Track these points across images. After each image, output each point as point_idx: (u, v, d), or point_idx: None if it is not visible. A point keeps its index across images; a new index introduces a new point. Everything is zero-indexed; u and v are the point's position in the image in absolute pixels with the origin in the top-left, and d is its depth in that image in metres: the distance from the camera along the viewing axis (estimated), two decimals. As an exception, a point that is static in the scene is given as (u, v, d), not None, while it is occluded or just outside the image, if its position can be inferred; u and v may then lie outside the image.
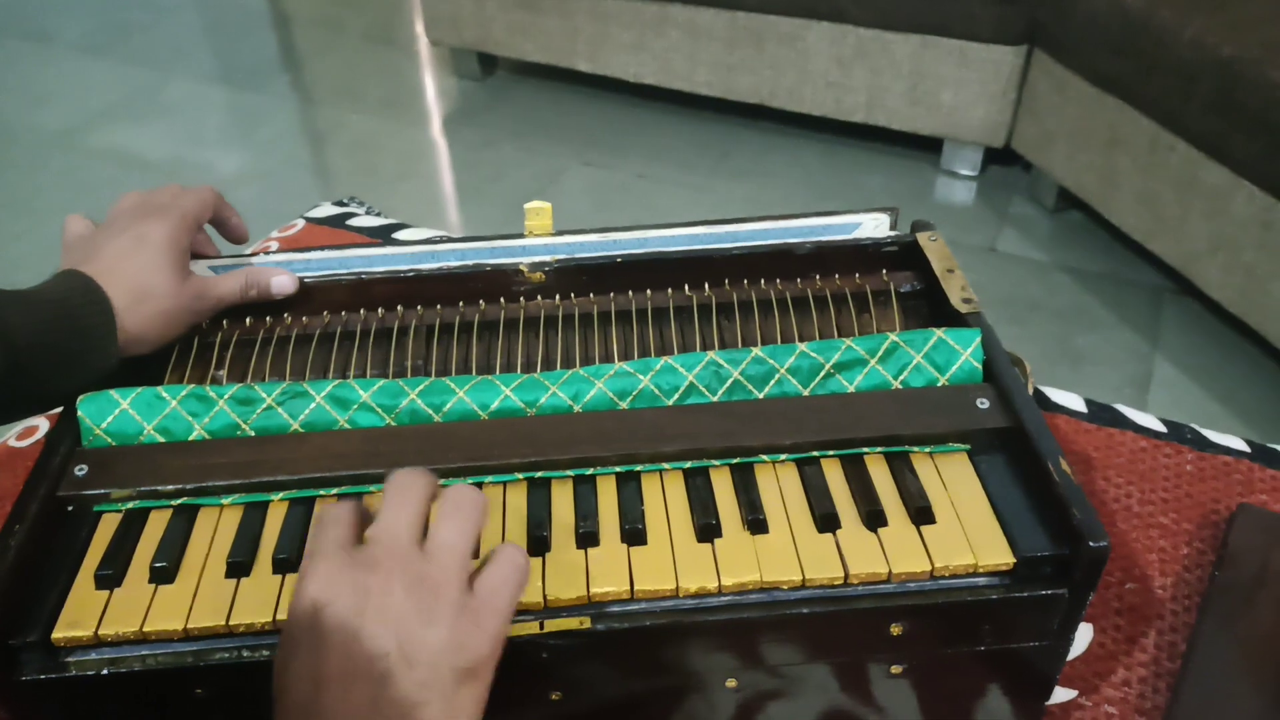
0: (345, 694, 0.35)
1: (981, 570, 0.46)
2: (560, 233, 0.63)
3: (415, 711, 0.36)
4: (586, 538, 0.48)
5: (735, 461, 0.51)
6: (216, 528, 0.50)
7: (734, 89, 2.05)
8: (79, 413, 0.52)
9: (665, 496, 0.50)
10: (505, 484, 0.51)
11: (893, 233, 0.63)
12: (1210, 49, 1.43)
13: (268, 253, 0.65)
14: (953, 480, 0.50)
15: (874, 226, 0.64)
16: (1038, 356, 1.60)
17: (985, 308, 0.57)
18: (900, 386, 0.53)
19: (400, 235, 0.91)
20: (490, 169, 2.12)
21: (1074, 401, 0.72)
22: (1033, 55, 1.77)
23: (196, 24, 2.86)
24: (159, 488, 0.50)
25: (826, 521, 0.48)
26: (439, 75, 2.49)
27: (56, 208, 2.06)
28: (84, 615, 0.46)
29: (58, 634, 0.45)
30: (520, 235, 0.63)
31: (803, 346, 0.54)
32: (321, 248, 0.64)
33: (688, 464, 0.51)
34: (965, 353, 0.53)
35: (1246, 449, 0.69)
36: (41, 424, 0.73)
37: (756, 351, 0.54)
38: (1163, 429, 0.70)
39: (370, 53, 2.64)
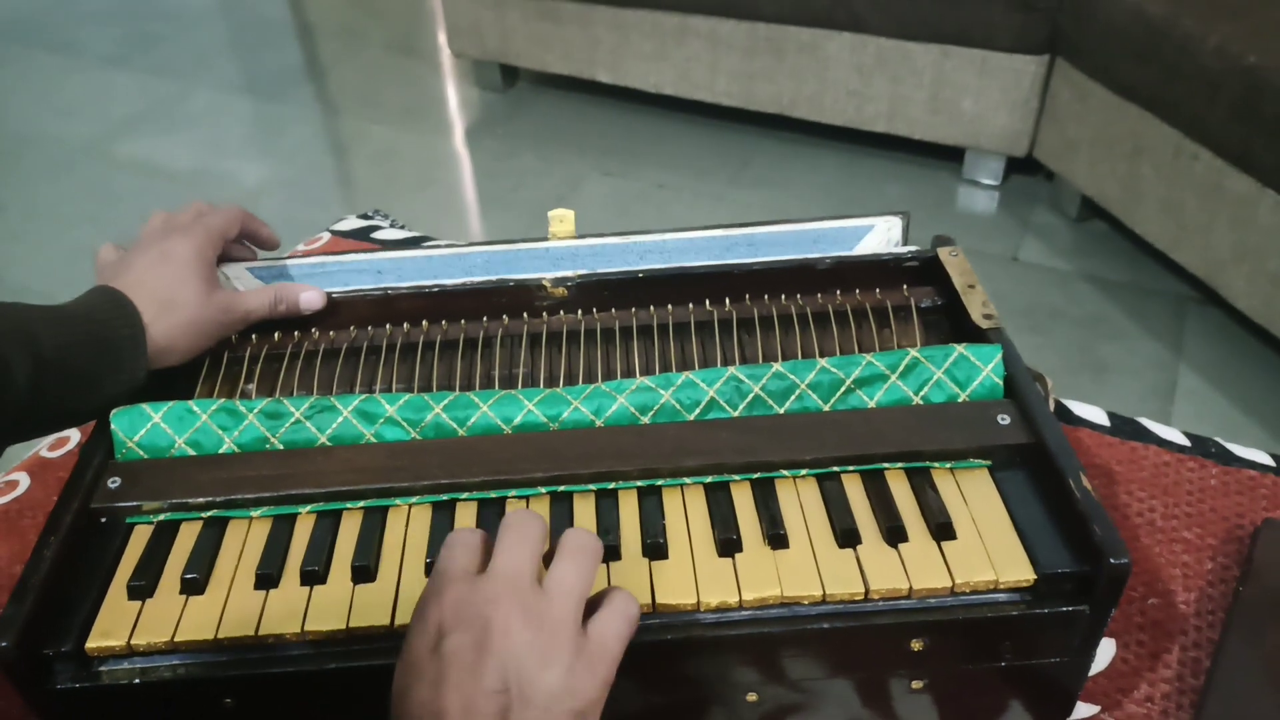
0: None
1: (1002, 586, 0.46)
2: (582, 235, 0.64)
3: None
4: (608, 551, 0.48)
5: (756, 476, 0.51)
6: (245, 540, 0.50)
7: (754, 98, 2.05)
8: (112, 426, 0.53)
9: (686, 511, 0.50)
10: (528, 498, 0.51)
11: (911, 248, 0.63)
12: (1234, 57, 1.42)
13: (294, 256, 0.66)
14: (974, 496, 0.50)
15: (886, 229, 0.64)
16: (1060, 366, 1.60)
17: (1007, 317, 0.57)
18: (921, 402, 0.53)
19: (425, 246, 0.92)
20: (511, 179, 2.13)
21: (1097, 415, 0.72)
22: (1054, 64, 1.76)
23: (220, 35, 2.90)
24: (189, 500, 0.51)
25: (847, 537, 0.48)
26: (461, 86, 2.51)
27: (82, 217, 2.09)
28: (116, 625, 0.47)
29: (91, 644, 0.46)
30: (544, 239, 0.64)
31: (823, 362, 0.54)
32: (351, 253, 0.65)
33: (709, 479, 0.51)
34: (986, 368, 0.53)
35: (1271, 463, 0.68)
36: (73, 434, 0.74)
37: (777, 367, 0.54)
38: (1186, 443, 0.70)
39: (393, 63, 2.66)
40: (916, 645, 0.47)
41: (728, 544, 0.48)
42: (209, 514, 0.51)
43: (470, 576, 0.39)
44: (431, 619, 0.38)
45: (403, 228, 0.97)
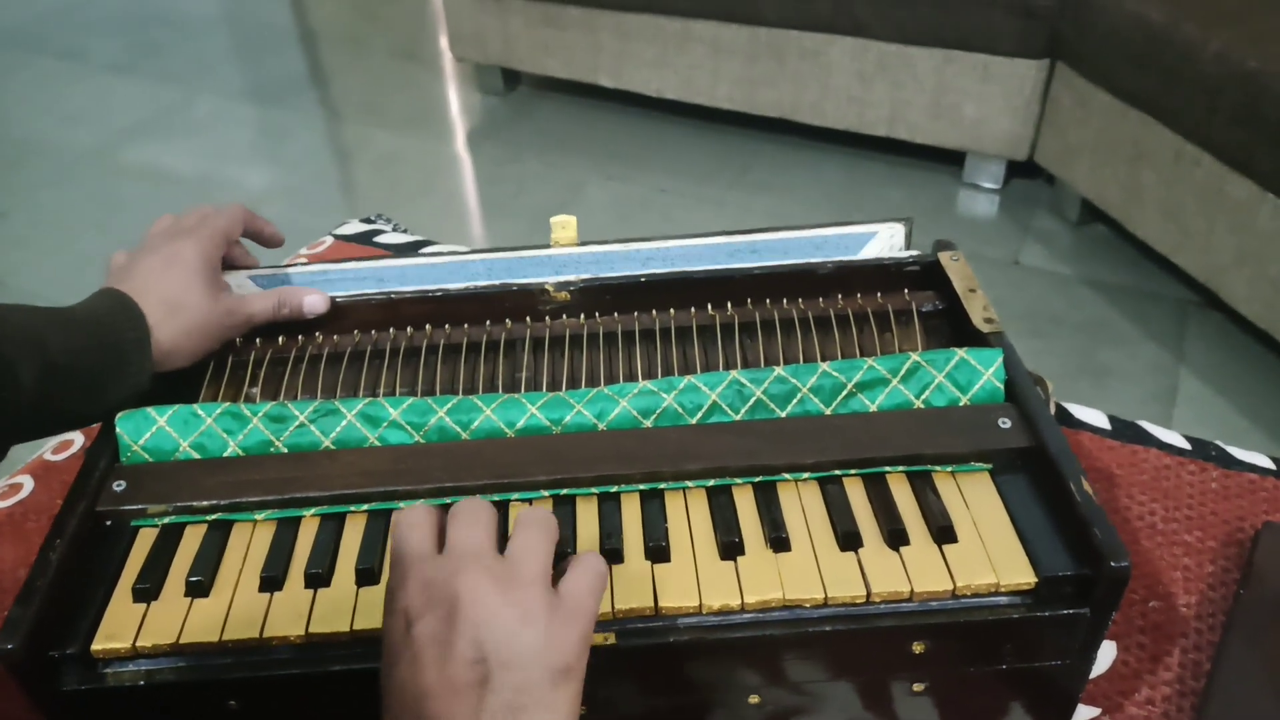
0: (447, 705, 0.36)
1: (1003, 589, 0.46)
2: (584, 243, 0.64)
3: (517, 716, 0.36)
4: (611, 554, 0.49)
5: (758, 480, 0.52)
6: (250, 543, 0.51)
7: (756, 103, 2.06)
8: (117, 429, 0.53)
9: (689, 514, 0.51)
10: (531, 501, 0.52)
11: (911, 252, 0.64)
12: (1234, 62, 1.42)
13: (295, 264, 0.66)
14: (974, 499, 0.50)
15: (889, 235, 0.65)
16: (1061, 371, 1.60)
17: (1008, 322, 0.57)
18: (922, 406, 0.53)
19: (426, 251, 0.93)
20: (513, 183, 2.14)
21: (1097, 418, 0.72)
22: (1055, 69, 1.77)
23: (223, 42, 2.91)
24: (194, 503, 0.51)
25: (849, 540, 0.48)
26: (463, 91, 2.51)
27: (88, 224, 2.10)
28: (122, 628, 0.47)
29: (97, 646, 0.46)
30: (546, 245, 0.64)
31: (825, 366, 0.54)
32: (353, 259, 0.65)
33: (711, 482, 0.52)
34: (987, 373, 0.54)
35: (1272, 466, 0.68)
36: (76, 438, 0.74)
37: (779, 371, 0.54)
38: (1187, 446, 0.70)
39: (395, 69, 2.67)
40: (918, 648, 0.47)
41: (730, 547, 0.48)
42: (214, 517, 0.52)
43: (431, 555, 0.39)
44: (400, 605, 0.38)
45: (405, 232, 0.98)
